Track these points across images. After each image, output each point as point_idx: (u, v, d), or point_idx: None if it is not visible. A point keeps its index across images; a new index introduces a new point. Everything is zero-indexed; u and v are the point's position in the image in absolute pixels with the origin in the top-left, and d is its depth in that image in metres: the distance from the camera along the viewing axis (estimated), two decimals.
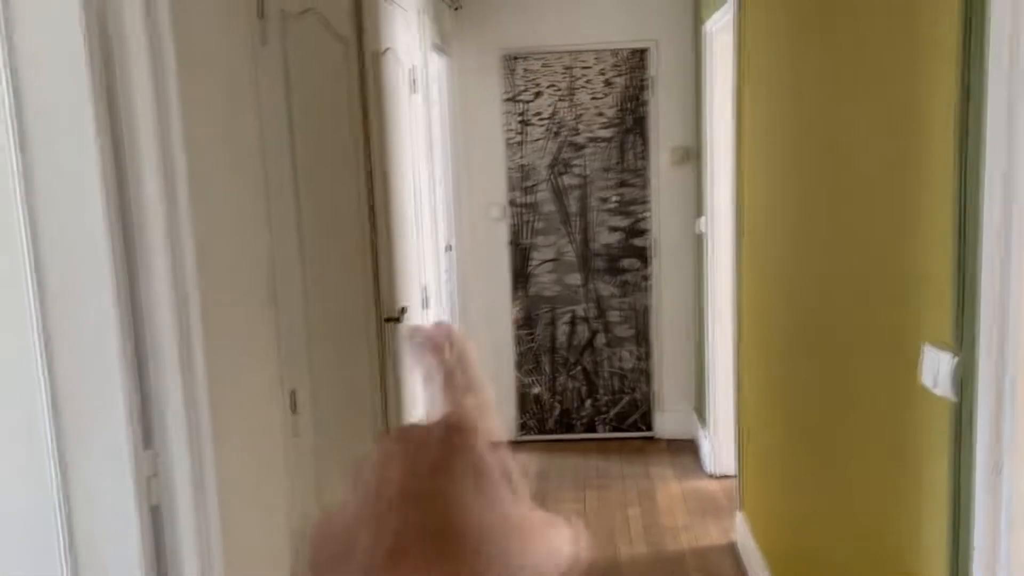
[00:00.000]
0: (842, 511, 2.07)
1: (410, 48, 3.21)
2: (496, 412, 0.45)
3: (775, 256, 2.68)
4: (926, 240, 1.50)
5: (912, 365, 1.53)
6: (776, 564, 2.81)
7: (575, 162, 4.37)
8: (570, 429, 4.57)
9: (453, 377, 0.45)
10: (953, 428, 1.39)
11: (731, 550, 3.33)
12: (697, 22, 4.09)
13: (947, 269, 1.40)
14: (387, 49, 2.75)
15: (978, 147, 1.28)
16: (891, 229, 1.68)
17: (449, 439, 0.41)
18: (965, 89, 1.33)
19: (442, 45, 3.93)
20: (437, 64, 3.96)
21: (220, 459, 1.43)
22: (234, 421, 1.54)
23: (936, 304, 1.45)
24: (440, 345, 0.46)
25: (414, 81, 3.23)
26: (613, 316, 4.48)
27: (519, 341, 4.52)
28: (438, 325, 0.46)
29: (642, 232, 4.40)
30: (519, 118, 4.36)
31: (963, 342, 1.34)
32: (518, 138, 4.37)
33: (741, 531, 3.28)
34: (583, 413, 4.57)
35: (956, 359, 1.34)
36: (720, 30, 3.56)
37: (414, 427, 0.44)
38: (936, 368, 1.40)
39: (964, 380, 1.34)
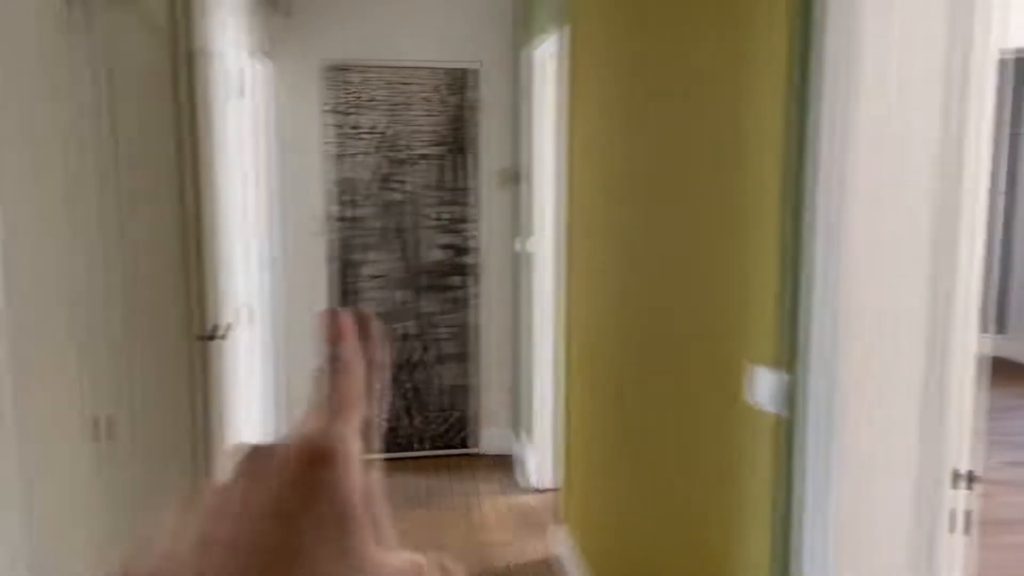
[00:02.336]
0: (668, 522, 2.15)
1: (233, 50, 3.03)
2: (378, 430, 0.35)
3: (603, 276, 2.76)
4: (752, 263, 1.59)
5: (738, 382, 1.61)
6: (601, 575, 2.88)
7: (402, 178, 4.32)
8: (395, 448, 4.48)
9: (338, 378, 0.33)
10: (781, 442, 1.47)
11: (553, 563, 3.39)
12: (520, 47, 4.18)
13: (773, 291, 1.49)
14: (207, 48, 2.58)
15: (805, 173, 1.37)
16: (718, 251, 1.77)
17: (304, 469, 0.30)
18: (797, 110, 1.42)
19: (267, 50, 3.76)
20: (261, 70, 3.78)
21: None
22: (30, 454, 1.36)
23: (762, 324, 1.54)
24: (342, 331, 0.34)
25: (238, 85, 3.05)
26: (440, 333, 4.45)
27: None
28: (354, 309, 0.35)
29: (469, 250, 4.42)
30: (343, 131, 4.25)
31: (792, 361, 1.43)
32: (342, 151, 4.25)
33: (563, 544, 3.34)
34: (409, 431, 4.50)
35: (786, 377, 1.43)
36: (547, 56, 3.65)
37: (260, 449, 0.32)
38: (764, 385, 1.49)
39: (793, 397, 1.42)
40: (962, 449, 1.37)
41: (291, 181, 4.21)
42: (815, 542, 1.35)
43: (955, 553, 1.38)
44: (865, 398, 1.32)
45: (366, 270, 4.35)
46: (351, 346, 0.34)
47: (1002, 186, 6.64)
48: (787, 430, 1.46)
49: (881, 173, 1.31)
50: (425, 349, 4.45)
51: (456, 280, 4.44)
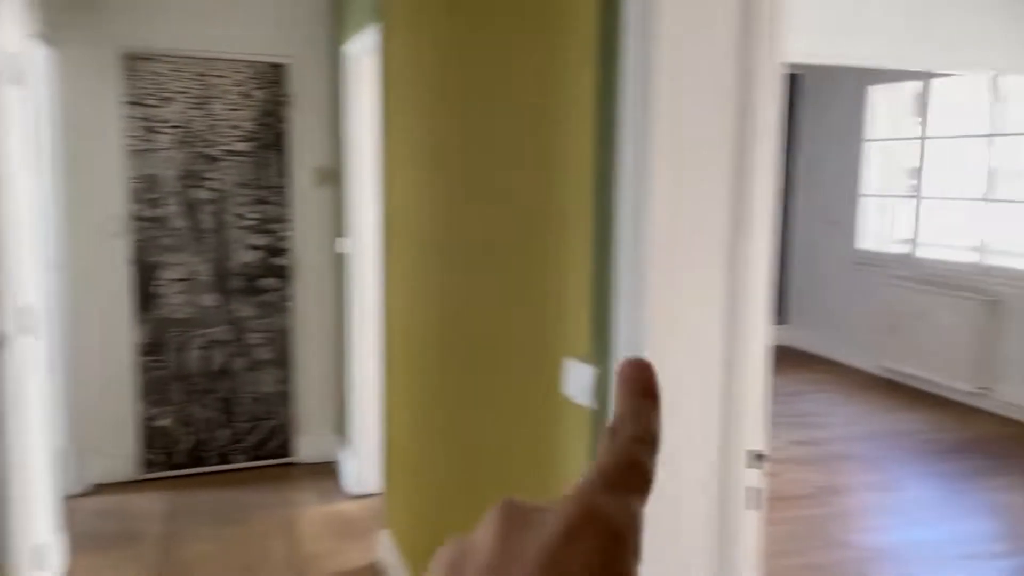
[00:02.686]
0: None
1: (8, 32, 2.75)
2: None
3: (421, 276, 2.76)
4: (568, 261, 1.64)
5: (555, 376, 1.66)
6: None
7: (209, 176, 4.10)
8: (204, 462, 4.24)
9: (641, 448, 0.27)
10: (592, 433, 1.54)
11: (378, 569, 3.34)
12: (335, 42, 4.09)
13: (586, 288, 1.55)
14: None
15: (613, 175, 1.44)
16: (535, 249, 1.82)
17: (590, 541, 0.25)
18: (604, 116, 1.48)
19: (49, 34, 3.44)
20: (46, 55, 3.45)
21: None
22: None
23: (576, 320, 1.60)
24: (650, 389, 0.29)
25: (14, 71, 2.77)
26: (252, 338, 4.27)
27: (144, 368, 4.10)
28: (638, 362, 0.29)
29: (283, 251, 4.27)
30: (143, 124, 3.98)
31: (601, 355, 1.49)
32: (143, 146, 3.98)
33: (385, 549, 3.30)
34: (219, 443, 4.28)
35: (596, 370, 1.49)
36: (362, 52, 3.60)
37: (518, 506, 0.27)
38: (577, 378, 1.54)
39: (603, 389, 1.49)
40: (755, 431, 1.49)
41: (84, 178, 3.88)
42: None
43: (749, 528, 1.50)
44: (668, 389, 1.40)
45: (170, 273, 4.09)
46: (659, 412, 0.29)
47: (782, 190, 7.29)
48: (598, 421, 1.52)
49: (680, 178, 1.39)
50: (237, 356, 4.25)
51: (270, 283, 4.27)
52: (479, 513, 1.82)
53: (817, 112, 7.10)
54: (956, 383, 5.73)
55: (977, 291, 5.66)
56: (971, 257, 5.83)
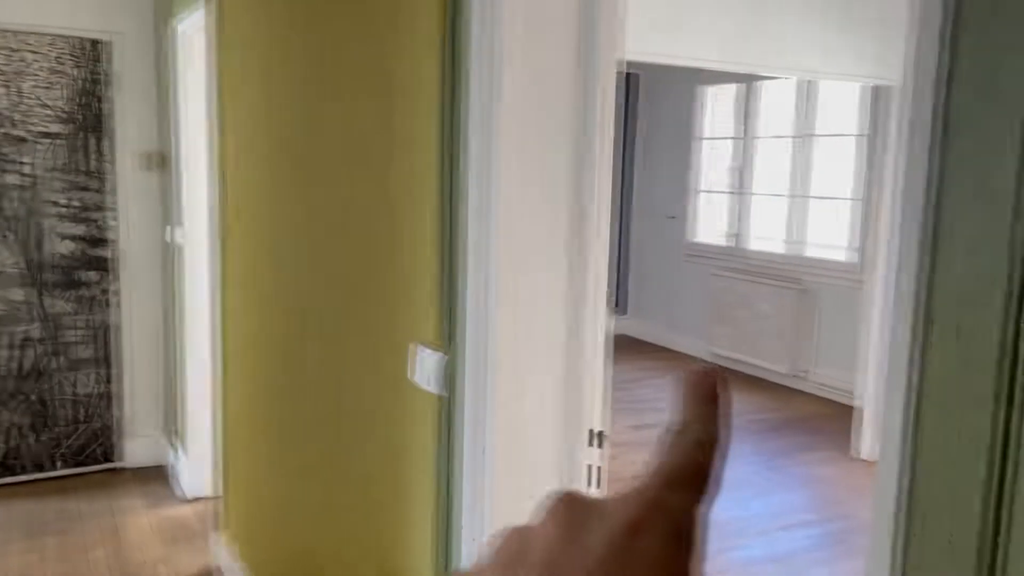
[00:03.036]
0: (337, 514, 2.13)
1: None
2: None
3: (262, 267, 2.65)
4: (416, 249, 1.63)
5: (404, 364, 1.64)
6: None
7: (18, 159, 3.75)
8: (16, 470, 3.89)
9: (704, 449, 0.27)
10: (442, 420, 1.53)
11: (212, 574, 3.19)
12: (162, 19, 3.85)
13: (435, 276, 1.54)
14: None
15: (459, 167, 1.43)
16: (384, 237, 1.79)
17: (650, 539, 0.24)
18: (450, 106, 1.48)
19: None
20: None
21: None
22: None
23: (426, 308, 1.59)
24: (715, 393, 0.28)
25: None
26: (70, 336, 3.95)
27: None
28: (705, 369, 0.28)
29: (104, 242, 3.97)
30: None
31: (450, 342, 1.49)
32: None
33: (222, 554, 3.16)
34: (33, 450, 3.93)
35: (445, 357, 1.48)
36: (193, 31, 3.41)
37: (577, 499, 0.26)
38: (426, 366, 1.53)
39: (451, 376, 1.48)
40: (595, 412, 1.53)
41: None
42: (473, 512, 1.42)
43: None
44: (515, 373, 1.42)
45: None
46: (725, 415, 0.28)
47: (619, 184, 7.57)
48: (447, 408, 1.52)
49: (523, 171, 1.41)
50: (54, 355, 3.92)
51: (90, 275, 3.97)
52: (327, 511, 1.78)
53: (652, 110, 7.43)
54: (776, 366, 6.18)
55: (793, 281, 6.12)
56: (788, 249, 6.29)
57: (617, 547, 0.24)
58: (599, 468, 1.53)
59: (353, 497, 2.00)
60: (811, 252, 6.13)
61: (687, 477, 0.27)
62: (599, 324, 1.52)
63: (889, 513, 0.73)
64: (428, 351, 1.54)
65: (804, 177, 6.16)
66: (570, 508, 0.27)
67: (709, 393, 0.29)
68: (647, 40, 3.86)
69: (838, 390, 5.76)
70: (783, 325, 6.13)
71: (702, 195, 7.10)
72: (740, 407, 5.66)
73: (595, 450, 1.52)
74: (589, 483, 1.53)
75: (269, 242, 2.56)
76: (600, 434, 1.50)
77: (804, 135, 6.13)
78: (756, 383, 6.26)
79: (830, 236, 6.06)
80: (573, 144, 1.45)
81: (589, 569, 0.24)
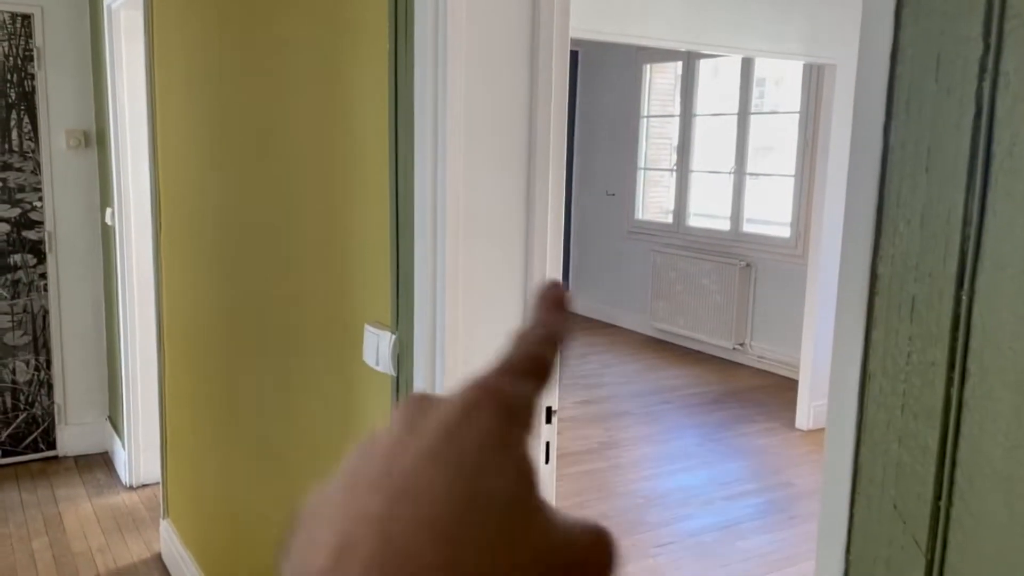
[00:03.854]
0: (286, 499, 2.11)
1: None
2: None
3: (203, 249, 2.59)
4: (365, 229, 1.61)
5: (357, 345, 1.63)
6: (210, 567, 2.74)
7: None
8: None
9: (541, 343, 0.29)
10: (393, 399, 1.52)
11: (158, 562, 3.14)
12: None
13: (385, 254, 1.52)
14: None
15: (410, 146, 1.42)
16: (335, 216, 1.76)
17: (481, 413, 0.25)
18: (399, 82, 1.46)
19: None
20: None
21: None
22: None
23: (376, 287, 1.57)
24: (561, 303, 0.30)
25: None
26: (4, 322, 3.81)
27: None
28: (553, 281, 0.30)
29: (35, 224, 3.83)
30: None
31: (399, 321, 1.48)
32: None
33: (168, 540, 3.11)
34: None
35: (394, 337, 1.48)
36: (126, 5, 3.29)
37: (426, 398, 0.27)
38: (377, 346, 1.52)
39: (401, 356, 1.48)
40: (552, 389, 1.54)
41: None
42: None
43: (546, 481, 1.56)
44: (467, 352, 1.42)
45: None
46: (569, 322, 0.30)
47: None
48: (396, 388, 1.51)
49: (473, 151, 1.40)
50: None
51: (20, 259, 3.83)
52: (276, 496, 1.76)
53: (593, 88, 7.45)
54: (717, 340, 6.31)
55: (733, 256, 6.24)
56: (729, 226, 6.40)
57: (449, 428, 0.25)
58: (547, 443, 1.54)
59: (303, 479, 1.98)
60: (752, 228, 6.25)
61: (528, 367, 0.28)
62: None
63: (837, 482, 0.76)
64: (378, 331, 1.53)
65: (744, 155, 6.27)
66: (415, 404, 0.27)
67: (557, 301, 0.31)
68: (589, 17, 3.86)
69: (778, 362, 5.91)
70: (725, 300, 6.25)
71: (644, 172, 7.16)
72: (682, 381, 5.77)
73: (545, 426, 1.54)
74: (544, 459, 1.54)
75: (211, 222, 2.50)
76: (549, 409, 1.52)
77: (744, 112, 6.23)
78: (698, 357, 6.38)
79: (770, 213, 6.18)
80: (524, 123, 1.45)
81: (421, 449, 0.25)
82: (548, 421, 1.49)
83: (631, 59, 6.98)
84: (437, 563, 0.22)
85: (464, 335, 1.40)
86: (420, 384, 1.41)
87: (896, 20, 0.70)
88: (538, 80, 1.44)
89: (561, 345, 0.29)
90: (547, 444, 1.50)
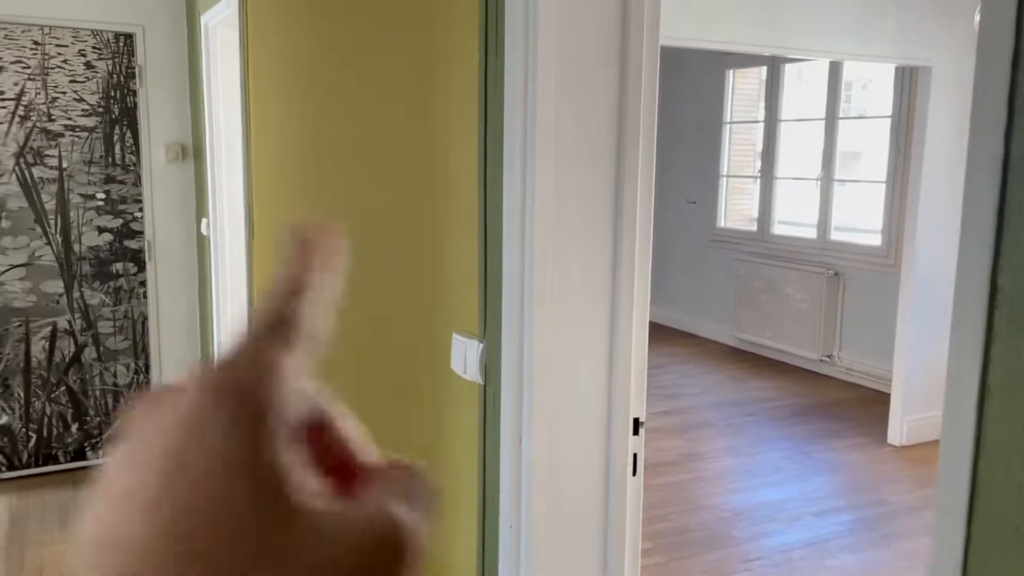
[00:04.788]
0: None
1: None
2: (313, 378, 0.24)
3: None
4: (457, 239, 1.63)
5: (445, 354, 1.65)
6: None
7: (50, 152, 3.79)
8: (53, 460, 3.95)
9: (291, 299, 0.25)
10: (481, 407, 1.53)
11: None
12: (189, 12, 3.87)
13: (474, 264, 1.54)
14: None
15: (498, 151, 1.43)
16: (425, 228, 1.79)
17: (204, 400, 0.22)
18: (489, 96, 1.47)
19: None
20: None
21: None
22: None
23: (465, 296, 1.59)
24: (315, 252, 0.27)
25: None
26: (105, 327, 4.00)
27: None
28: (326, 226, 0.25)
29: (136, 234, 4.01)
30: None
31: (487, 331, 1.49)
32: None
33: None
34: (69, 440, 3.99)
35: (482, 346, 1.49)
36: (222, 23, 3.42)
37: (162, 391, 0.24)
38: (466, 355, 1.54)
39: (489, 365, 1.49)
40: (638, 400, 1.53)
41: None
42: (513, 500, 1.42)
43: (633, 493, 1.54)
44: (553, 362, 1.42)
45: (7, 259, 3.76)
46: (326, 264, 0.27)
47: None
48: (485, 396, 1.52)
49: (564, 161, 1.40)
50: (88, 346, 3.98)
51: (123, 267, 4.01)
52: None
53: (673, 95, 7.37)
54: (803, 351, 6.13)
55: (820, 264, 6.06)
56: (816, 234, 6.23)
57: (177, 457, 0.22)
58: (635, 455, 1.53)
59: None
60: (840, 236, 6.07)
61: (273, 331, 0.25)
62: (641, 312, 1.51)
63: (953, 501, 0.73)
64: (467, 340, 1.55)
65: (832, 160, 6.09)
66: (144, 412, 0.24)
67: (307, 244, 0.27)
68: (668, 23, 3.82)
69: (867, 375, 5.71)
70: (811, 310, 6.08)
71: (727, 180, 7.04)
72: (766, 392, 5.64)
73: (632, 438, 1.52)
74: (635, 472, 1.53)
75: None
76: (636, 420, 1.50)
77: (832, 117, 6.06)
78: (782, 368, 6.22)
79: (860, 220, 5.99)
80: (614, 133, 1.44)
81: (150, 469, 0.22)
82: (635, 433, 1.48)
83: (712, 64, 6.88)
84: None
85: (551, 344, 1.40)
86: (508, 393, 1.41)
87: (1017, 28, 0.67)
88: (627, 87, 1.43)
89: (310, 293, 0.26)
90: (634, 456, 1.49)
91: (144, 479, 0.22)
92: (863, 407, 5.29)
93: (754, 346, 6.62)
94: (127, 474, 0.22)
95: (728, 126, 6.96)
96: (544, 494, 1.44)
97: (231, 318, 3.70)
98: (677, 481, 4.08)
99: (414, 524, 0.24)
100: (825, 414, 5.19)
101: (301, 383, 0.25)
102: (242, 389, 0.23)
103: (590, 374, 1.44)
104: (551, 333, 1.41)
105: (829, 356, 6.00)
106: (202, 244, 4.00)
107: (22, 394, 3.86)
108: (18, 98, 3.71)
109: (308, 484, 0.23)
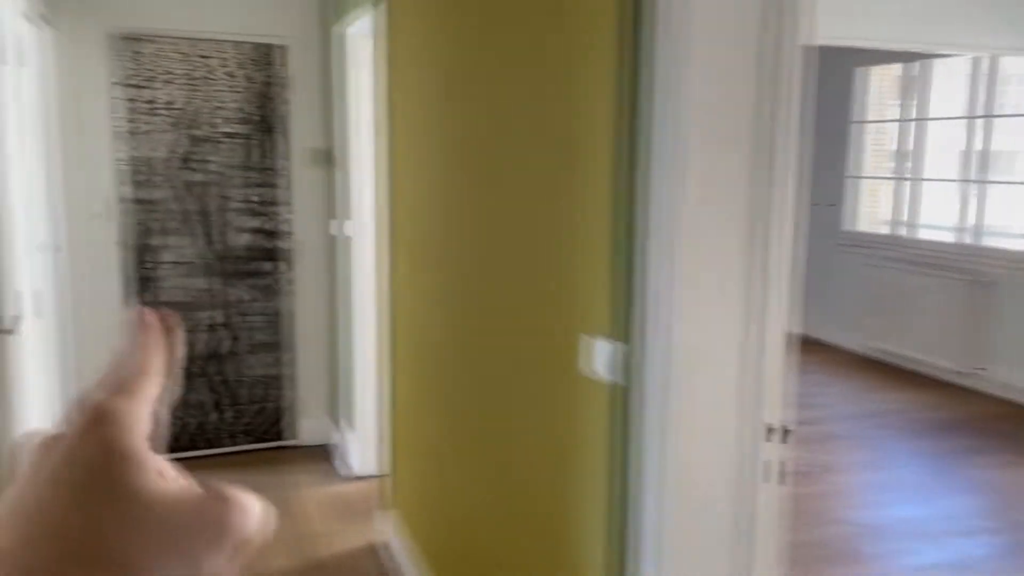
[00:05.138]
0: (502, 498, 2.20)
1: (5, 12, 2.71)
2: (164, 426, 0.31)
3: (431, 258, 2.75)
4: (585, 248, 1.65)
5: (572, 354, 1.67)
6: (433, 559, 2.90)
7: (204, 157, 4.07)
8: (199, 445, 4.23)
9: (130, 357, 0.33)
10: (617, 409, 1.55)
11: (377, 550, 3.36)
12: (330, 24, 4.06)
13: (606, 267, 1.56)
14: None
15: (637, 156, 1.44)
16: (552, 227, 1.83)
17: (80, 432, 0.29)
18: (628, 93, 1.49)
19: (46, 14, 3.39)
20: (41, 36, 3.40)
21: None
22: None
23: (596, 301, 1.61)
24: (147, 323, 0.33)
25: (14, 52, 2.73)
26: (251, 321, 4.25)
27: None
28: (162, 310, 0.35)
29: (280, 234, 4.24)
30: (136, 106, 3.93)
31: (627, 332, 1.51)
32: (132, 128, 3.93)
33: (390, 530, 3.32)
34: (217, 426, 4.27)
35: (624, 348, 1.50)
36: (360, 34, 3.57)
37: (50, 437, 0.31)
38: (599, 356, 1.56)
39: (629, 366, 1.50)
40: (774, 406, 1.51)
41: (76, 160, 3.84)
42: (651, 502, 1.43)
43: (772, 501, 1.53)
44: (695, 364, 1.42)
45: (165, 256, 4.06)
46: (151, 335, 0.34)
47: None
48: (623, 398, 1.54)
49: (710, 162, 1.40)
50: (234, 339, 4.23)
51: (267, 265, 4.25)
52: (493, 495, 1.85)
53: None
54: (942, 362, 5.82)
55: (965, 272, 5.73)
56: (959, 237, 5.90)
57: (67, 449, 0.29)
58: (781, 463, 1.51)
59: (520, 482, 2.06)
60: (987, 241, 5.71)
61: (117, 383, 0.31)
62: (781, 318, 1.49)
63: None
64: (602, 342, 1.57)
65: (974, 160, 5.75)
66: (44, 446, 0.31)
67: (143, 324, 0.34)
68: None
69: (1021, 390, 5.36)
70: (952, 318, 5.76)
71: (859, 181, 6.76)
72: (901, 404, 5.38)
73: (772, 445, 1.50)
74: (766, 479, 1.51)
75: (438, 236, 2.66)
76: (785, 428, 1.48)
77: (978, 116, 5.72)
78: (919, 380, 5.92)
79: (1010, 224, 5.63)
80: (758, 133, 1.43)
81: (45, 478, 0.29)
82: (784, 441, 1.46)
83: (838, 61, 6.61)
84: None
85: (696, 350, 1.41)
86: (652, 396, 1.43)
87: None
88: (773, 90, 1.42)
89: (147, 350, 0.33)
90: (781, 464, 1.47)
91: (24, 497, 0.29)
92: (1015, 424, 4.97)
93: (885, 354, 6.33)
94: (17, 495, 0.29)
95: (856, 125, 6.68)
96: (683, 499, 1.44)
97: (364, 314, 3.86)
98: (806, 493, 3.96)
99: (240, 501, 0.32)
100: (969, 429, 4.91)
101: (143, 419, 0.32)
102: (89, 418, 0.30)
103: (732, 379, 1.44)
104: (696, 338, 1.41)
105: (978, 369, 5.65)
106: (334, 244, 4.19)
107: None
108: (174, 107, 3.99)
109: (155, 465, 0.31)
